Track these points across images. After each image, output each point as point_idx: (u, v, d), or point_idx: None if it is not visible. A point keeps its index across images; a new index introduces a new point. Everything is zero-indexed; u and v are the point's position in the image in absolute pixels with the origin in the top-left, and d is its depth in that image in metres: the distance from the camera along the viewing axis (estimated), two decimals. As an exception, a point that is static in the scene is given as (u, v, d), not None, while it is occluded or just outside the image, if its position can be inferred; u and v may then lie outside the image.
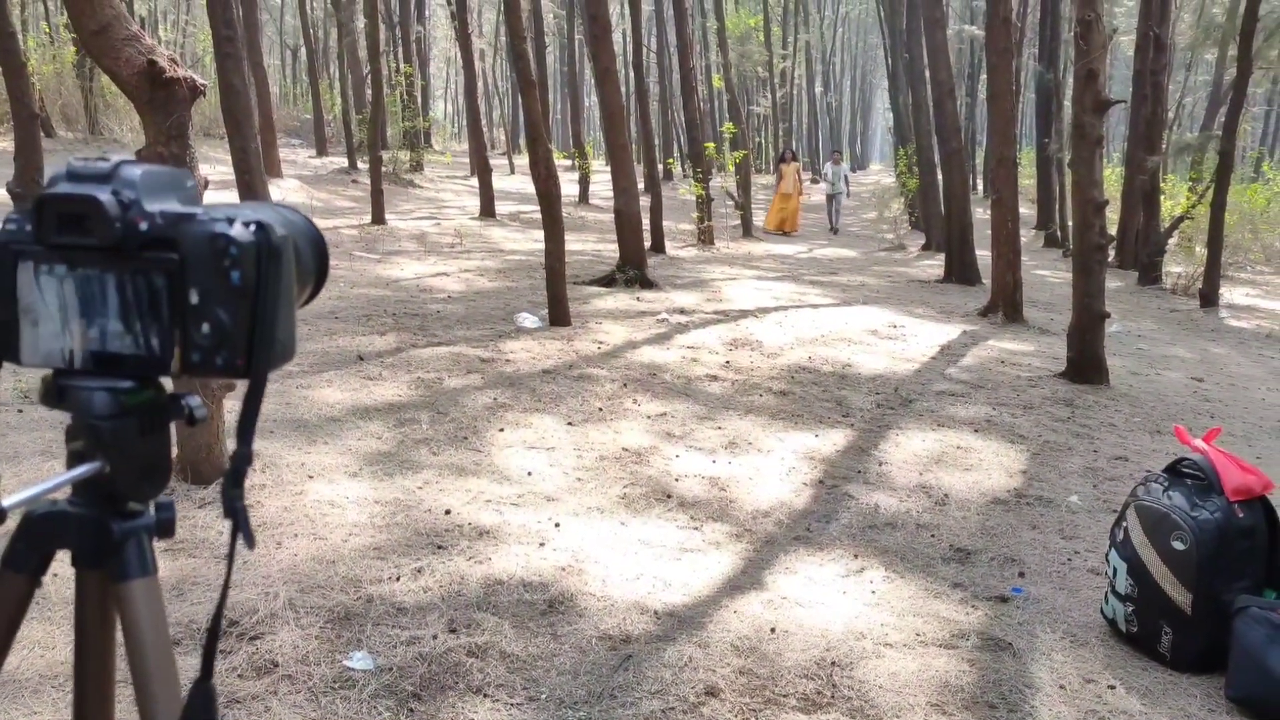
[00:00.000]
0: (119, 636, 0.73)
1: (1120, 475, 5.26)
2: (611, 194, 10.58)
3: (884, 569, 3.90)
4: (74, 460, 0.69)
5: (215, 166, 19.08)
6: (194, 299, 0.66)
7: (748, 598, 3.55)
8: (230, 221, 0.66)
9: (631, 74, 17.68)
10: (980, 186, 29.43)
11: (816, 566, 3.90)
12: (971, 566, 4.01)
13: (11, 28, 9.26)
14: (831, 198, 21.03)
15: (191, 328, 0.67)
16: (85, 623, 0.72)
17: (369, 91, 18.31)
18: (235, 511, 0.69)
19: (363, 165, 19.73)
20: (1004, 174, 10.35)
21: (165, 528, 0.73)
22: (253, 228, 0.67)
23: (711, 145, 18.61)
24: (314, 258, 0.80)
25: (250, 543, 0.70)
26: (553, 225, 7.81)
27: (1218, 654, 3.11)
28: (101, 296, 0.67)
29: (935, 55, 14.35)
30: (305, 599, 3.22)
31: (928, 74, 15.35)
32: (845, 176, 21.58)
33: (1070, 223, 10.66)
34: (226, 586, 0.74)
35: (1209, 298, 12.83)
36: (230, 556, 0.73)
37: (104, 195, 0.65)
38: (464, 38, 18.52)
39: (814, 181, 21.16)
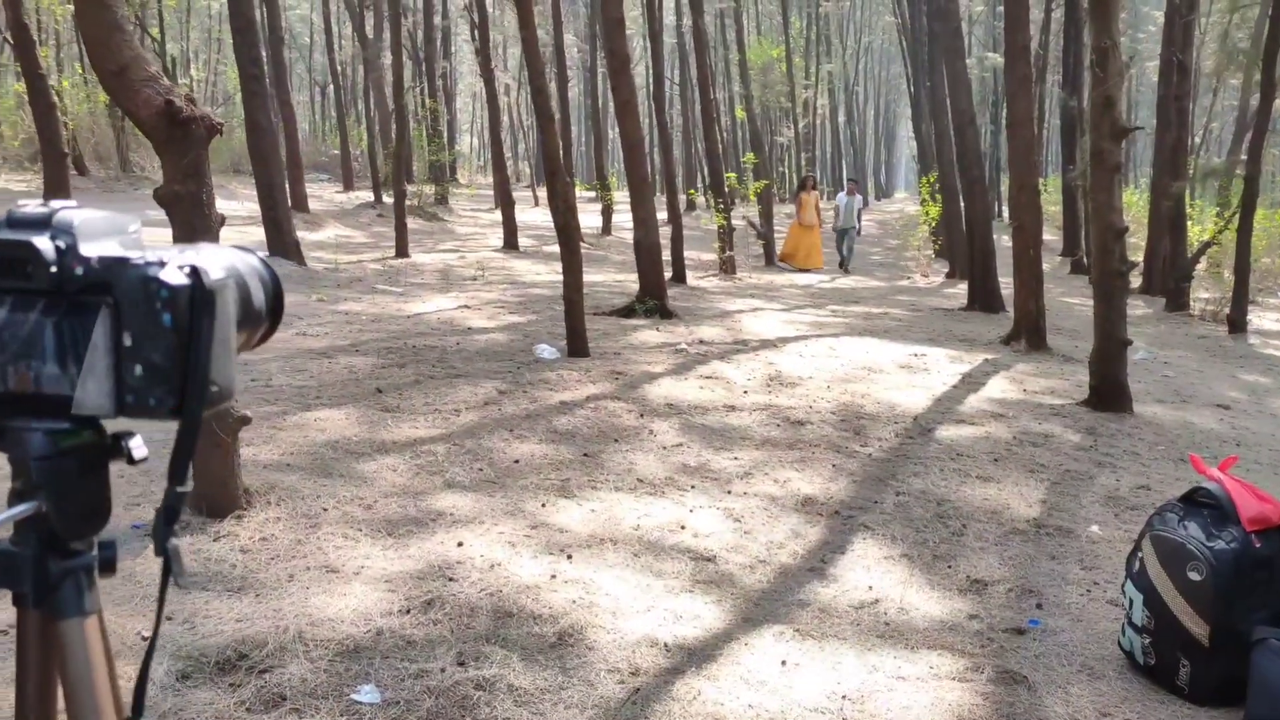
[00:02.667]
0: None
1: (1143, 504, 5.18)
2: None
3: (899, 601, 3.87)
4: (13, 499, 0.70)
5: (244, 202, 19.36)
6: (127, 341, 0.68)
7: (759, 630, 3.53)
8: (163, 265, 0.68)
9: (652, 106, 17.79)
10: (1005, 214, 29.34)
11: (831, 599, 3.87)
12: (988, 598, 3.96)
13: (41, 69, 9.47)
14: (844, 232, 19.43)
15: (125, 370, 0.68)
16: (25, 662, 0.73)
17: (395, 127, 18.52)
18: (167, 551, 0.70)
19: (388, 199, 19.95)
20: (1025, 201, 10.32)
21: (106, 566, 0.74)
22: (186, 270, 0.68)
23: (733, 175, 18.68)
24: (267, 299, 0.81)
25: (180, 582, 0.71)
26: (571, 258, 7.85)
27: (1236, 686, 3.05)
28: (39, 339, 0.68)
29: (956, 84, 14.37)
30: (315, 631, 3.23)
31: (949, 102, 15.36)
32: (859, 211, 19.66)
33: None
34: (158, 626, 0.75)
35: (1237, 324, 12.68)
36: (161, 596, 0.74)
37: (41, 240, 0.66)
38: (487, 73, 18.74)
39: (834, 214, 20.34)
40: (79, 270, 0.67)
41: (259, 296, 0.80)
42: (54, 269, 0.67)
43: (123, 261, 0.68)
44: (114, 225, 0.72)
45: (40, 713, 0.73)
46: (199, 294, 0.68)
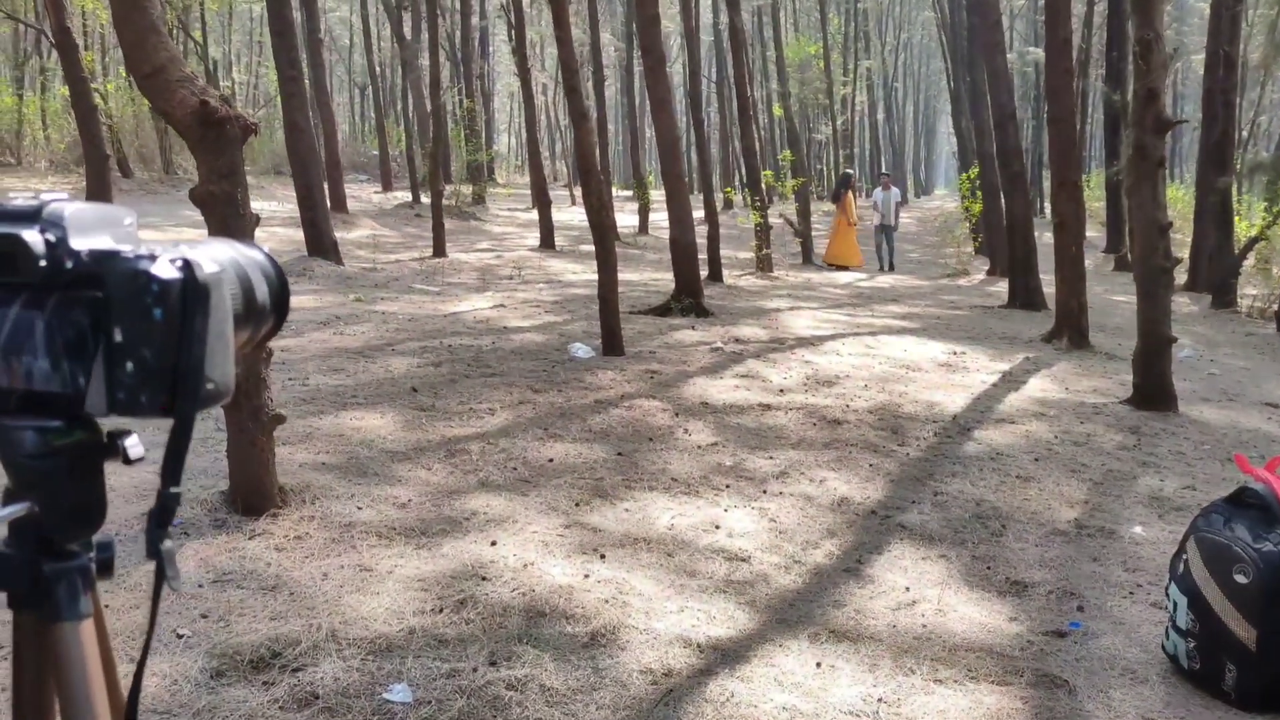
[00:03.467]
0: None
1: (1188, 505, 5.08)
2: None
3: (936, 602, 3.81)
4: (6, 499, 0.69)
5: (283, 203, 19.55)
6: (118, 337, 0.66)
7: (794, 631, 3.49)
8: (154, 258, 0.66)
9: (689, 104, 17.75)
10: (1047, 210, 28.99)
11: (867, 599, 3.82)
12: (1028, 600, 3.89)
13: (83, 73, 9.60)
14: (884, 229, 19.14)
15: (116, 366, 0.66)
16: (21, 665, 0.71)
17: (432, 127, 18.63)
18: (160, 553, 0.68)
19: (426, 199, 20.07)
20: (1067, 197, 10.17)
21: (104, 568, 0.72)
22: (178, 264, 0.66)
23: (770, 173, 18.58)
24: (271, 294, 0.79)
25: (175, 585, 0.69)
26: (605, 256, 7.83)
27: (1285, 693, 2.98)
28: (29, 335, 0.67)
29: (995, 79, 14.20)
30: (348, 630, 3.23)
31: (989, 98, 15.19)
32: (896, 205, 19.41)
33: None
34: (151, 631, 0.73)
35: (1286, 321, 12.42)
36: (155, 600, 0.72)
37: (29, 234, 0.65)
38: (524, 73, 18.78)
39: (874, 209, 19.95)
40: (69, 264, 0.66)
41: (262, 291, 0.78)
42: (43, 263, 0.65)
43: (113, 255, 0.66)
44: (107, 218, 0.70)
45: (37, 716, 0.71)
46: (191, 288, 0.66)
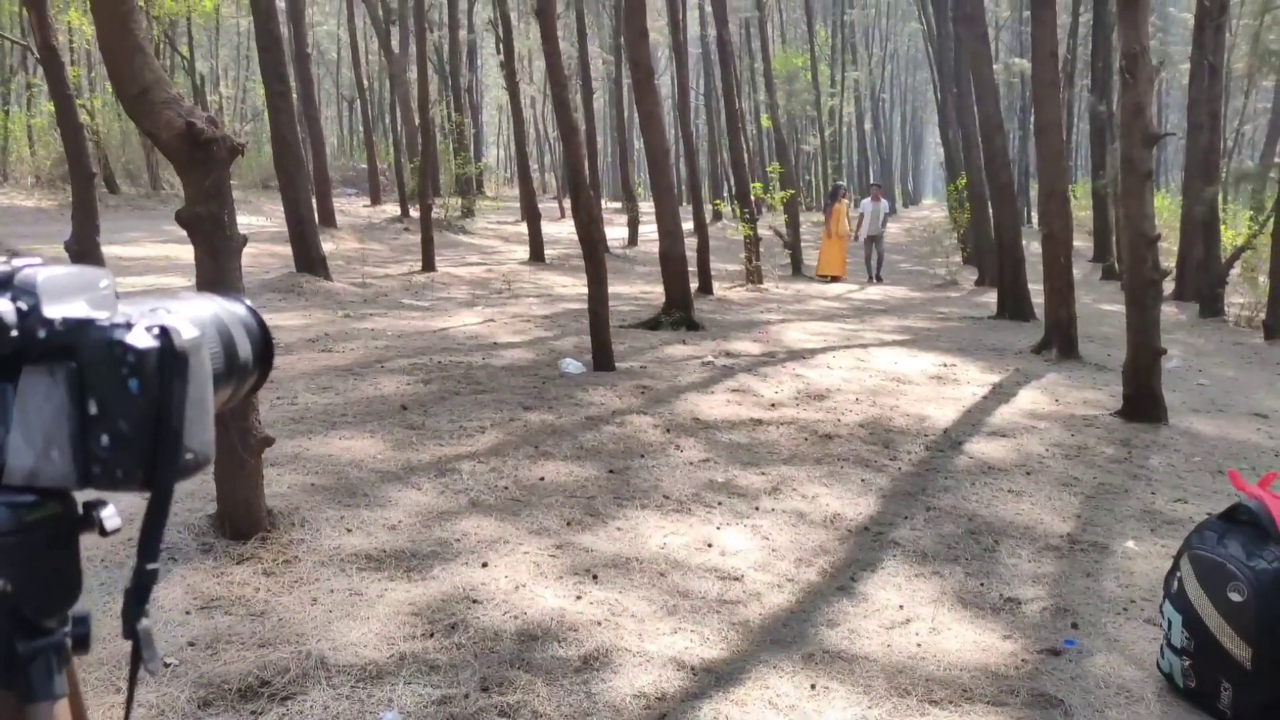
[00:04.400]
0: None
1: (1180, 518, 5.08)
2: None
3: (930, 621, 3.79)
4: None
5: (271, 218, 19.51)
6: (93, 409, 0.64)
7: (788, 652, 3.46)
8: (129, 326, 0.64)
9: (677, 117, 17.78)
10: (1035, 220, 29.09)
11: (860, 619, 3.80)
12: (1022, 617, 3.88)
13: (69, 90, 9.55)
14: (872, 240, 19.15)
15: (91, 439, 0.64)
16: (-6, 745, 0.69)
17: (420, 141, 18.61)
18: (136, 634, 0.65)
19: (415, 213, 20.05)
20: (1055, 207, 10.21)
21: (80, 643, 0.69)
22: (155, 332, 0.64)
23: (759, 185, 18.61)
24: (254, 349, 0.77)
25: (152, 669, 0.66)
26: (595, 270, 7.81)
27: (1282, 712, 2.96)
28: (0, 408, 0.65)
29: (983, 90, 14.26)
30: (337, 656, 3.20)
31: (976, 109, 15.25)
32: (884, 216, 19.43)
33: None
34: (128, 716, 0.71)
35: (1273, 329, 12.47)
36: (131, 683, 0.69)
37: (1, 303, 0.63)
38: (512, 86, 18.79)
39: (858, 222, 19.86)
40: (41, 333, 0.63)
41: (245, 349, 0.76)
42: (14, 333, 0.63)
43: (88, 323, 0.64)
44: (82, 283, 0.68)
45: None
46: (169, 357, 0.63)
